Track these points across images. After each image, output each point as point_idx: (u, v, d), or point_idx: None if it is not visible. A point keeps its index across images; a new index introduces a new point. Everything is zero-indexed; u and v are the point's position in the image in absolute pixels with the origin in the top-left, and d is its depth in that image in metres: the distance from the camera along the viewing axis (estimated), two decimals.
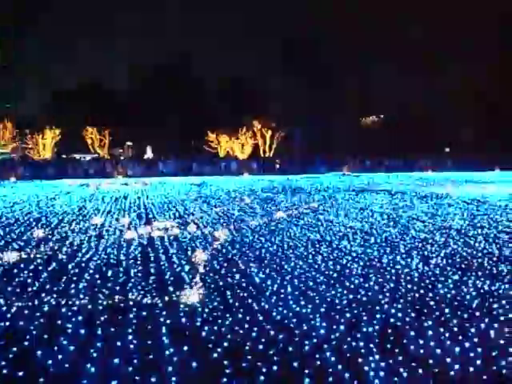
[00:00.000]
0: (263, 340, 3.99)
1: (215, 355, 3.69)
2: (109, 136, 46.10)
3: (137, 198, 17.00)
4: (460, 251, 7.38)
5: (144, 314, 4.61)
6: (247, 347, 3.86)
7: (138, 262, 6.71)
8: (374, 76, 54.14)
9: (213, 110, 51.10)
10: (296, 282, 5.73)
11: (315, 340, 4.00)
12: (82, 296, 5.14)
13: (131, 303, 4.92)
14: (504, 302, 4.95)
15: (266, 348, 3.84)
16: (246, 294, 5.23)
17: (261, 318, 4.50)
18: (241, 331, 4.19)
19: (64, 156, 45.47)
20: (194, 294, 5.05)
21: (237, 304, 4.91)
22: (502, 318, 4.49)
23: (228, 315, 4.57)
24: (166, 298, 5.03)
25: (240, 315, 4.58)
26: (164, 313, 4.62)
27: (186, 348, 3.81)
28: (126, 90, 53.14)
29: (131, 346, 3.85)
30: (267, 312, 4.67)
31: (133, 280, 5.78)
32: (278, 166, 37.73)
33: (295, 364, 3.56)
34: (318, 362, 3.60)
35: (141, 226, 9.87)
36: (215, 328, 4.25)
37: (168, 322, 4.39)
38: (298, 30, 52.83)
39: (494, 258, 6.89)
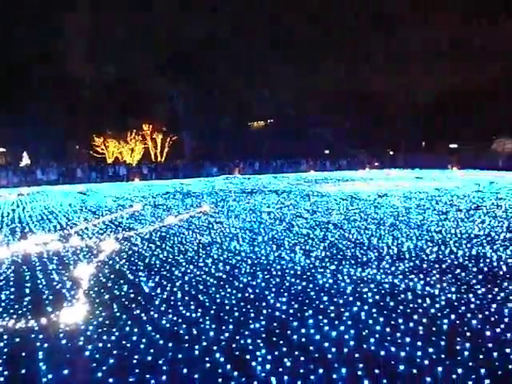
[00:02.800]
0: (152, 351, 3.93)
1: (99, 374, 3.53)
2: None
3: (11, 210, 15.27)
4: (337, 243, 8.11)
5: (17, 340, 4.20)
6: (135, 360, 3.76)
7: (11, 283, 6.06)
8: (261, 79, 56.08)
9: (97, 112, 47.99)
10: (186, 286, 5.74)
11: (204, 343, 4.07)
12: None
13: (1, 330, 4.43)
14: (372, 285, 5.59)
15: (155, 359, 3.79)
16: (134, 305, 5.08)
17: (150, 328, 4.42)
18: (128, 345, 4.07)
19: None
20: (76, 312, 4.74)
21: (124, 316, 4.74)
22: (370, 301, 5.06)
23: (114, 330, 4.39)
24: (44, 320, 4.64)
25: (127, 328, 4.44)
26: (41, 336, 4.26)
27: (66, 372, 3.57)
28: None
29: (1, 379, 3.48)
30: (156, 321, 4.60)
31: (3, 304, 5.21)
32: (170, 170, 36.99)
33: (184, 370, 3.58)
34: (208, 365, 3.67)
35: (15, 242, 8.91)
36: (100, 345, 4.06)
37: (45, 345, 4.06)
38: (186, 32, 52.34)
39: (364, 247, 7.72)
